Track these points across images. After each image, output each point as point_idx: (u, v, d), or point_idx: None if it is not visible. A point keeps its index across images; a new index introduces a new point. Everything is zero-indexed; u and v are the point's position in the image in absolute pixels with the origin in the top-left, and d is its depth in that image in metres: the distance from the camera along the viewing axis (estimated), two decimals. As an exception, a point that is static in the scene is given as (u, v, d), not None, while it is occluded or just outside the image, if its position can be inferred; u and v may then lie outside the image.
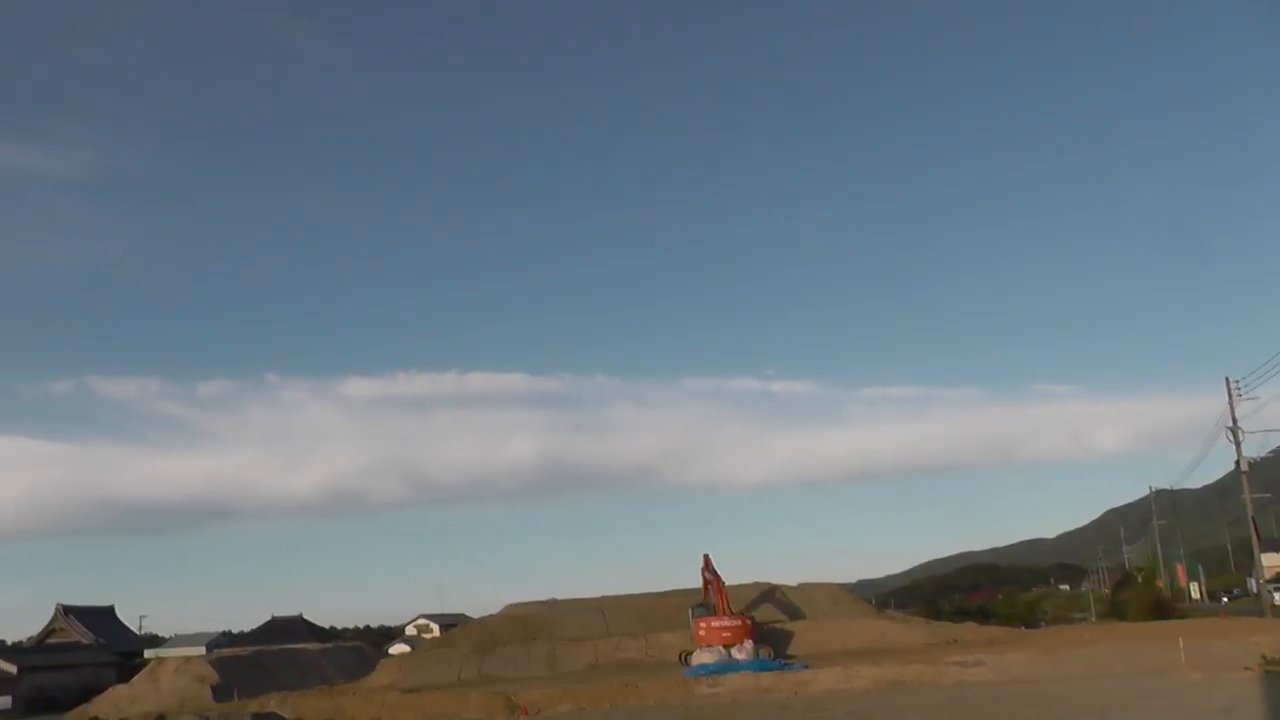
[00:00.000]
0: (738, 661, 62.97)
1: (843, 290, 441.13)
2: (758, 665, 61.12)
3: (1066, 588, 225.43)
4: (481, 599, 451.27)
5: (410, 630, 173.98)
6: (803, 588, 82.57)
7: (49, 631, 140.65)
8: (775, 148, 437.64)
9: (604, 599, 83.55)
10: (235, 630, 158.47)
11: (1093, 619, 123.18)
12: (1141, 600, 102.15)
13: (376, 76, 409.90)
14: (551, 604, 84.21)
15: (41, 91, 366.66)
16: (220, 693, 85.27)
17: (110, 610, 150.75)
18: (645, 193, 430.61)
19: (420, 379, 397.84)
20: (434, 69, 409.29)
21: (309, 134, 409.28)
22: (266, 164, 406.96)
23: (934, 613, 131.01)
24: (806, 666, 58.10)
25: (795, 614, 77.44)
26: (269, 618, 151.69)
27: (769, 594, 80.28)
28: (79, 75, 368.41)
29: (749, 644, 65.89)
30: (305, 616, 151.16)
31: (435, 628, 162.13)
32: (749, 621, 68.38)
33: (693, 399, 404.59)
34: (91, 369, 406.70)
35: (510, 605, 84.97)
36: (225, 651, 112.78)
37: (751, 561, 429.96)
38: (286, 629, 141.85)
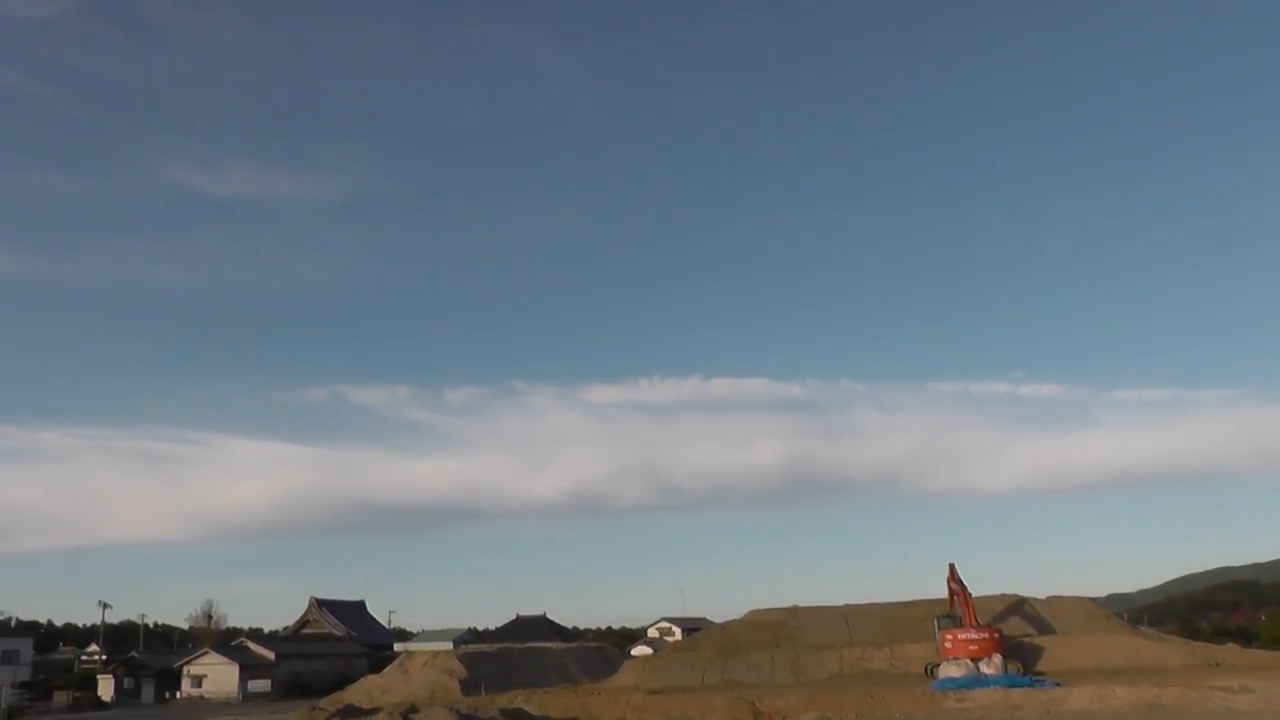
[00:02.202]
0: (986, 676, 61.58)
1: (1091, 286, 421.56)
2: (1007, 681, 59.69)
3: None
4: (723, 603, 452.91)
5: (652, 633, 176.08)
6: (1051, 601, 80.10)
7: (304, 622, 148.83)
8: (1016, 136, 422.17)
9: (847, 607, 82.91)
10: (481, 627, 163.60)
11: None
12: None
13: (609, 85, 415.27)
14: (795, 611, 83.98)
15: (297, 121, 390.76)
16: (468, 687, 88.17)
17: (361, 605, 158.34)
18: (886, 189, 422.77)
19: (663, 385, 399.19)
20: (660, 74, 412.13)
21: (548, 144, 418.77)
22: (508, 175, 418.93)
23: (1190, 631, 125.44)
24: (1058, 684, 56.52)
25: (1044, 628, 75.20)
26: (514, 616, 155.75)
27: (1016, 606, 78.22)
28: (331, 105, 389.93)
29: (997, 658, 64.35)
30: (549, 616, 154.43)
31: (677, 631, 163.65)
32: (997, 634, 66.75)
33: (937, 403, 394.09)
34: (344, 378, 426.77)
35: (753, 611, 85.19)
36: (472, 647, 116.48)
37: (997, 571, 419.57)
38: (531, 627, 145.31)
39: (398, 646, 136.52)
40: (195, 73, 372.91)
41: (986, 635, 66.01)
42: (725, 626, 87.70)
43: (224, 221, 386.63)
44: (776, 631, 79.93)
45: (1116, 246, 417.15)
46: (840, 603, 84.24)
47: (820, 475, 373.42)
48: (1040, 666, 66.65)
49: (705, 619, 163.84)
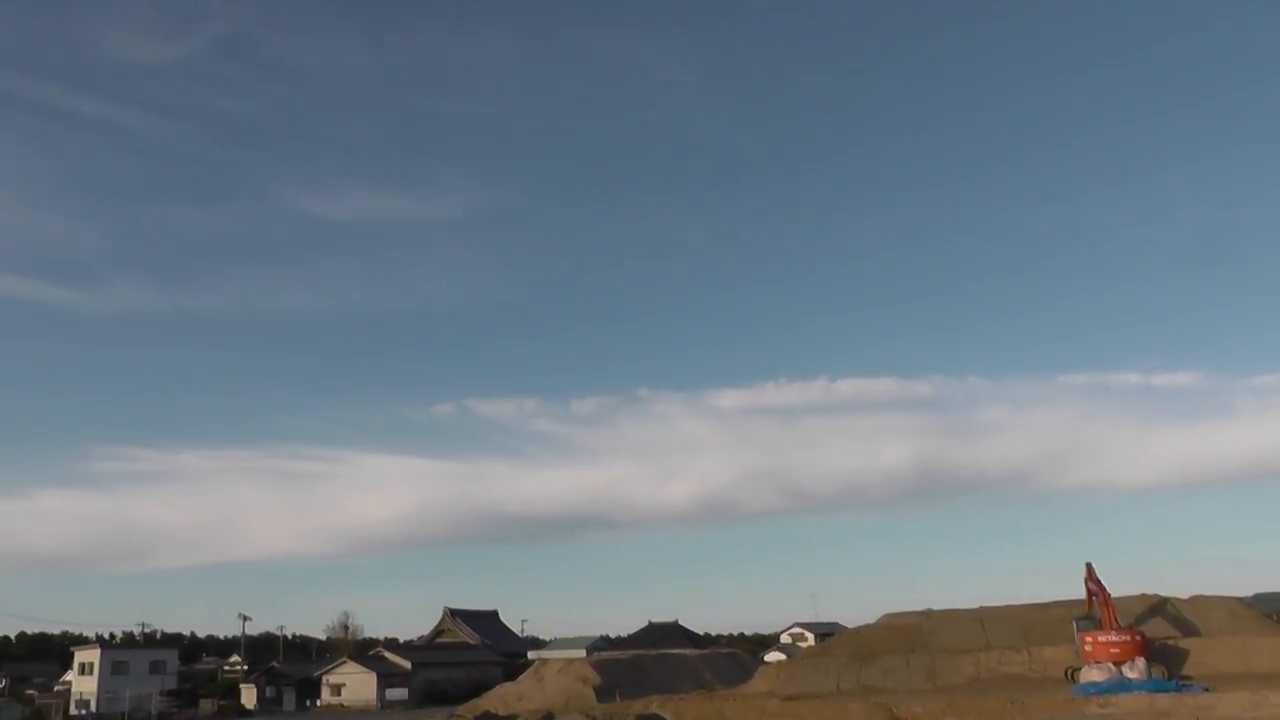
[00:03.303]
0: (1130, 681, 60.02)
1: (1225, 262, 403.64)
2: (1152, 686, 58.03)
3: None
4: (855, 607, 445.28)
5: (785, 638, 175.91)
6: (1194, 600, 77.48)
7: (438, 632, 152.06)
8: (1133, 97, 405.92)
9: (982, 609, 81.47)
10: (613, 634, 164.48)
11: None
12: None
13: (725, 90, 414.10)
14: (929, 614, 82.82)
15: (416, 143, 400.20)
16: (602, 694, 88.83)
17: (494, 614, 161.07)
18: (998, 169, 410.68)
19: (790, 388, 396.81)
20: (776, 73, 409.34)
21: (666, 150, 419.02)
22: (627, 183, 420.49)
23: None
24: (1207, 689, 54.93)
25: (1188, 630, 72.91)
26: (646, 623, 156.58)
27: (1158, 607, 75.98)
28: (448, 124, 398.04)
29: (1141, 661, 62.57)
30: (681, 622, 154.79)
31: (810, 636, 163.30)
32: (1139, 637, 64.94)
33: (1069, 396, 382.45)
34: (471, 392, 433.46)
35: (887, 615, 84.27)
36: (605, 654, 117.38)
37: (1136, 570, 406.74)
38: (663, 634, 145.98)
39: (531, 654, 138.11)
40: (316, 103, 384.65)
41: (1128, 638, 64.25)
42: (859, 631, 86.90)
43: (349, 245, 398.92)
44: (911, 635, 78.92)
45: (1250, 217, 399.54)
46: (975, 605, 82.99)
47: (951, 474, 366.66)
48: (1185, 671, 64.48)
49: (838, 624, 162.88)
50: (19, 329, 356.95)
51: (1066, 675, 65.18)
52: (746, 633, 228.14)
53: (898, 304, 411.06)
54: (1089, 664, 63.74)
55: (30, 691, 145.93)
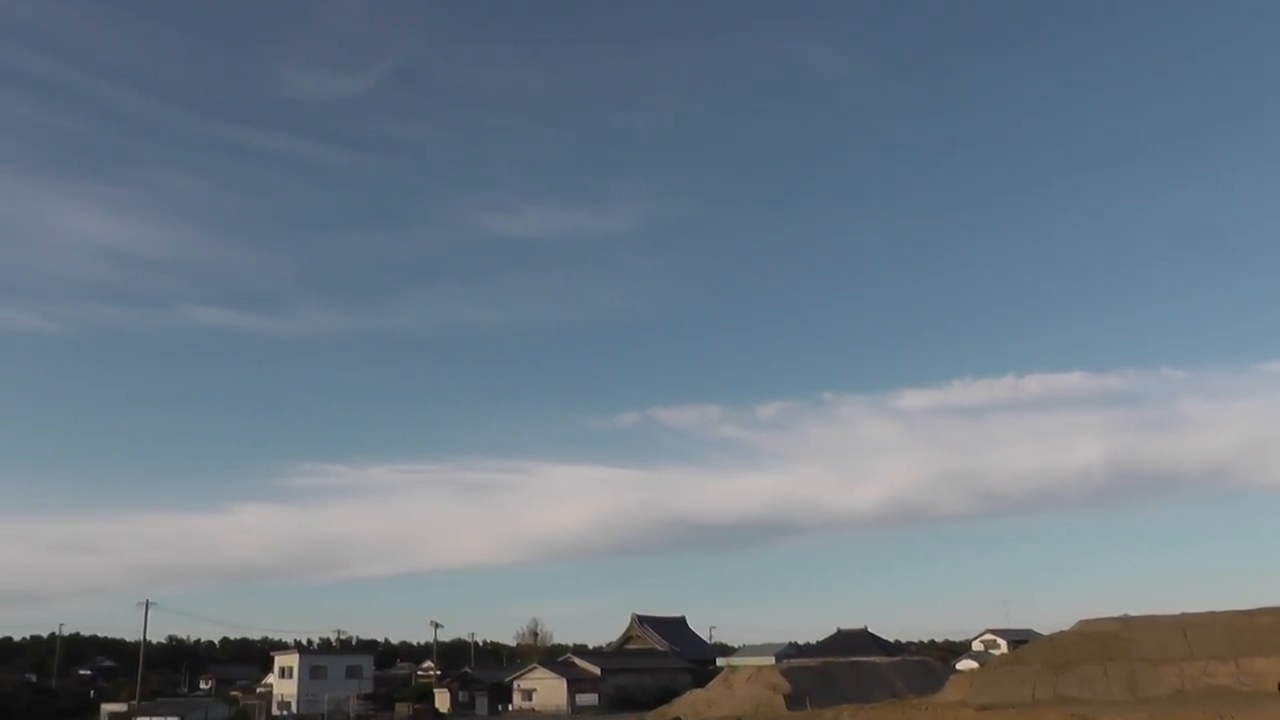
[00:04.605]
0: (1350, 694, 56.93)
1: None
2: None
3: None
4: (1049, 613, 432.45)
5: (977, 645, 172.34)
6: None
7: (626, 638, 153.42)
8: None
9: (1184, 616, 78.34)
10: (801, 641, 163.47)
11: None
12: None
13: (899, 89, 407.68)
14: (1126, 621, 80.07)
15: (590, 158, 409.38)
16: (792, 701, 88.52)
17: (681, 620, 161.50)
18: (1196, 158, 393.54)
19: (976, 386, 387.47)
20: (948, 71, 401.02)
21: (841, 152, 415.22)
22: (803, 186, 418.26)
23: None
24: None
25: None
26: (835, 630, 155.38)
27: (1380, 616, 72.06)
28: (621, 137, 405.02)
29: (1361, 674, 59.38)
30: (870, 629, 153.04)
31: (1002, 643, 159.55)
32: (1359, 648, 61.64)
33: (1272, 386, 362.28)
34: (654, 401, 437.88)
35: (1082, 621, 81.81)
36: (794, 662, 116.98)
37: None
38: (852, 641, 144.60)
39: (720, 661, 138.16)
40: (491, 125, 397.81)
41: (1346, 648, 61.02)
42: (1053, 638, 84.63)
43: (529, 260, 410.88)
44: (1108, 643, 76.36)
45: None
46: (1175, 611, 79.86)
47: (1146, 472, 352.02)
48: None
49: (1031, 630, 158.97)
50: (218, 356, 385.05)
51: None
52: (937, 639, 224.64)
53: (1084, 294, 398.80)
54: (1305, 677, 60.73)
55: (234, 693, 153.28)
